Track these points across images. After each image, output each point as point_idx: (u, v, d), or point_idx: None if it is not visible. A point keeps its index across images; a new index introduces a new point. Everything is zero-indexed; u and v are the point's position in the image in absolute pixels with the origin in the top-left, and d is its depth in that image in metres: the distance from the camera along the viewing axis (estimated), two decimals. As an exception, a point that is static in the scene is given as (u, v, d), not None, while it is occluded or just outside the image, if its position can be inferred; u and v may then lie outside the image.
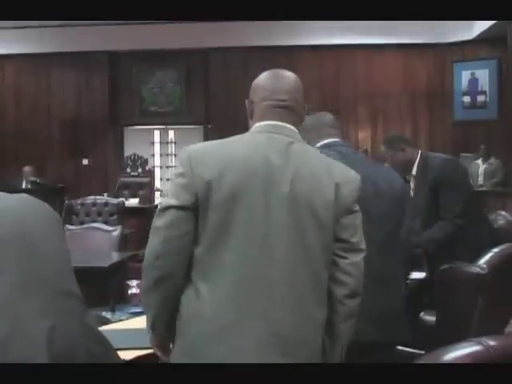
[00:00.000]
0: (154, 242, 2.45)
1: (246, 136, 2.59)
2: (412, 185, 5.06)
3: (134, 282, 4.05)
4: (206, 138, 13.28)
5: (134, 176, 12.95)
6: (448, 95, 12.79)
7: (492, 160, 11.73)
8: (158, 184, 13.29)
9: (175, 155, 13.43)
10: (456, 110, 12.71)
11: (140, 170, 13.38)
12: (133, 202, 11.39)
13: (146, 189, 12.33)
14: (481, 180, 11.43)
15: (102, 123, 13.24)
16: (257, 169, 2.43)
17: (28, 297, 2.14)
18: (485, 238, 4.72)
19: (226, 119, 12.61)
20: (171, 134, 13.52)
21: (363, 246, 2.54)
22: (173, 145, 13.56)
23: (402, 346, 3.66)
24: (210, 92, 13.21)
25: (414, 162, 5.03)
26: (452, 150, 11.22)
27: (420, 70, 12.92)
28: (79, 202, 9.27)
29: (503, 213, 5.58)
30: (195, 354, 2.41)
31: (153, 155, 13.62)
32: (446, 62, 12.75)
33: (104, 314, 3.34)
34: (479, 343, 1.67)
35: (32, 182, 11.66)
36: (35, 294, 2.16)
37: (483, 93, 12.42)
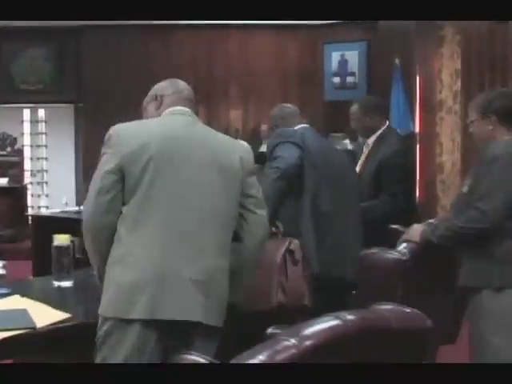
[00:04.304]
0: (88, 204, 2.95)
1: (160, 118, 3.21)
2: (366, 151, 5.68)
3: (0, 263, 3.94)
4: (77, 116, 13.15)
5: (2, 155, 12.71)
6: (319, 76, 12.96)
7: (360, 140, 11.96)
8: (27, 163, 13.00)
9: (46, 134, 13.12)
10: (326, 90, 12.88)
11: (9, 149, 13.06)
12: (1, 181, 11.18)
13: (15, 168, 12.13)
14: (348, 160, 11.64)
15: (-32, 101, 12.84)
16: (175, 140, 3.02)
17: None
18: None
19: (97, 98, 12.42)
20: (41, 112, 13.13)
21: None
22: (43, 123, 13.20)
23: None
24: (83, 71, 12.96)
25: (376, 132, 5.23)
26: (322, 130, 11.38)
27: (292, 50, 13.02)
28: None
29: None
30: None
31: (22, 134, 13.25)
32: (318, 43, 12.90)
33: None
34: (337, 317, 1.75)
35: None
36: None
37: (353, 74, 12.64)
